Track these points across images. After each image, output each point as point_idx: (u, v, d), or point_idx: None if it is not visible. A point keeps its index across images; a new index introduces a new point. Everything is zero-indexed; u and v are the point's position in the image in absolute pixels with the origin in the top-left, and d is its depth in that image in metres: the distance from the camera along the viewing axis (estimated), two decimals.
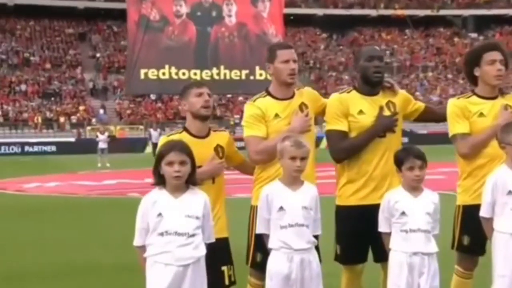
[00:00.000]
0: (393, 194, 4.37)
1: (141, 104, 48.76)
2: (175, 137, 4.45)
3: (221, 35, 36.88)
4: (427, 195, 4.37)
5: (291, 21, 53.57)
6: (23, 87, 49.89)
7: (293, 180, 4.20)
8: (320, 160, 5.01)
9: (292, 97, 4.75)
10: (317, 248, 4.27)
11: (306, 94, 4.86)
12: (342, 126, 4.73)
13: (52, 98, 49.03)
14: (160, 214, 3.84)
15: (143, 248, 3.90)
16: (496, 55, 4.77)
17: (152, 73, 36.49)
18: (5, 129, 45.71)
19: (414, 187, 4.33)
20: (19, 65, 52.10)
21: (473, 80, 4.90)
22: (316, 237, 4.25)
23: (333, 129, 4.76)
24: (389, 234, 4.37)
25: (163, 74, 36.46)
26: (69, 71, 52.43)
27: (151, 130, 33.30)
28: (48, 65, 52.23)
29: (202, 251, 3.90)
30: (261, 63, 39.93)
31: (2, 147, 42.15)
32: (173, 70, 36.80)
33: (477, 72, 4.81)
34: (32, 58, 53.11)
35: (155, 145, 20.60)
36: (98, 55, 54.20)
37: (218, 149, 4.62)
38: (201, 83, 4.78)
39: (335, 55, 59.00)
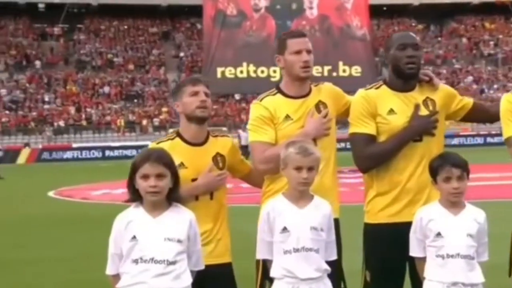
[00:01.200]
0: (427, 211, 3.87)
1: (225, 105, 47.79)
2: (165, 144, 4.05)
3: (301, 29, 35.29)
4: (470, 212, 3.84)
5: (383, 12, 51.42)
6: (106, 89, 50.42)
7: (300, 195, 3.74)
8: None
9: (307, 94, 4.26)
10: (331, 275, 3.77)
11: (326, 90, 4.34)
12: (368, 128, 4.18)
13: (135, 100, 49.18)
14: (134, 237, 3.42)
15: (117, 277, 3.49)
16: None
17: (229, 72, 35.58)
18: (88, 132, 45.99)
19: (453, 203, 3.81)
20: (103, 66, 52.90)
21: None
22: (331, 263, 3.78)
23: (357, 133, 4.21)
24: (423, 259, 3.86)
25: (241, 72, 35.52)
26: (152, 72, 52.25)
27: (240, 131, 32.01)
28: (131, 66, 52.73)
29: (185, 281, 3.45)
30: (345, 58, 37.98)
31: (83, 152, 42.45)
32: (251, 67, 35.82)
33: None
34: (115, 59, 53.83)
35: (245, 147, 19.50)
36: (181, 54, 53.88)
37: (217, 158, 4.16)
38: (197, 79, 4.26)
39: (432, 48, 56.88)
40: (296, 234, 3.69)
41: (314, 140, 4.14)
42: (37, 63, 53.70)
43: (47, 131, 45.47)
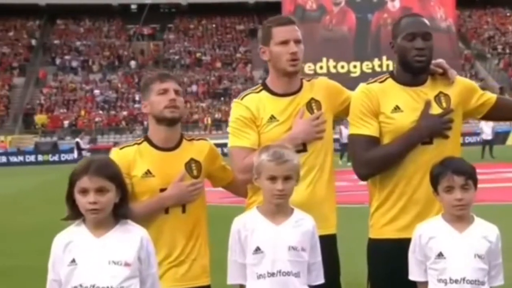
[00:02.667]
0: (427, 227, 3.33)
1: None
2: (129, 149, 3.66)
3: (383, 22, 34.57)
4: (479, 228, 3.28)
5: (475, 3, 49.43)
6: (194, 87, 50.82)
7: (276, 209, 3.25)
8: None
9: (297, 91, 3.76)
10: None
11: (320, 86, 3.83)
12: (369, 129, 3.64)
13: (222, 98, 49.34)
14: (73, 261, 2.94)
15: None
16: None
17: (308, 68, 35.02)
18: None
19: (458, 217, 3.27)
20: (191, 65, 53.32)
21: None
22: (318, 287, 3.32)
23: (356, 134, 3.67)
24: (424, 284, 3.32)
25: (321, 68, 34.92)
26: (239, 70, 52.47)
27: (342, 128, 31.34)
28: (218, 64, 52.86)
29: None
30: None
31: None
32: (331, 63, 35.15)
33: None
34: (203, 57, 54.16)
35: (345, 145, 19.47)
36: None
37: (191, 164, 3.69)
38: (165, 75, 3.77)
39: None
40: (271, 255, 3.21)
41: (304, 144, 3.68)
42: (130, 63, 54.87)
43: (137, 130, 46.31)
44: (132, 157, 3.64)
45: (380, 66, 34.46)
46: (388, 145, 3.64)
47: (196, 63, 53.85)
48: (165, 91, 3.66)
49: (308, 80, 3.85)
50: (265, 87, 3.79)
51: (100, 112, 49.60)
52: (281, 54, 3.71)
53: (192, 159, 3.70)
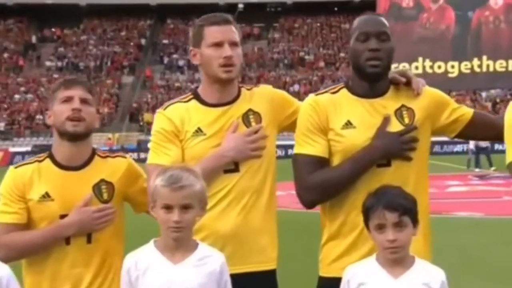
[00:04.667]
0: (358, 270, 2.86)
1: None
2: (27, 168, 3.18)
3: (484, 20, 32.69)
4: (418, 273, 2.78)
5: None
6: (296, 87, 50.53)
7: (175, 244, 2.76)
8: None
9: (232, 101, 3.29)
10: None
11: (261, 96, 3.36)
12: (315, 148, 3.16)
13: None
14: None
15: None
16: None
17: (403, 68, 33.38)
18: None
19: (393, 260, 2.76)
20: (294, 65, 52.97)
21: None
22: None
23: (300, 154, 3.19)
24: None
25: (416, 68, 33.29)
26: (342, 69, 51.82)
27: None
28: (321, 64, 52.26)
29: None
30: None
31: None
32: (428, 63, 33.53)
33: None
34: (306, 57, 53.75)
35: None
36: None
37: (101, 186, 3.19)
38: (71, 81, 3.26)
39: None
40: None
41: (236, 163, 3.18)
42: None
43: None
44: (29, 177, 3.17)
45: (480, 66, 32.66)
46: (336, 167, 3.15)
47: (299, 63, 53.60)
48: (68, 99, 3.17)
49: (249, 89, 3.37)
50: (196, 96, 3.33)
51: None
52: (213, 58, 3.24)
53: (102, 180, 3.21)
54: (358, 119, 3.15)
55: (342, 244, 3.16)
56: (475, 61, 32.51)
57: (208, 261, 2.81)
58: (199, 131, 3.24)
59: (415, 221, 2.79)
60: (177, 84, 52.77)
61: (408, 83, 3.23)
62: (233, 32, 3.27)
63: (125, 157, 3.38)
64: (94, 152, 3.27)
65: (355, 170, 3.10)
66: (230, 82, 3.27)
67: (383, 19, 3.25)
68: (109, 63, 55.76)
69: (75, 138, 3.17)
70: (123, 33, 59.61)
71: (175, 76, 54.26)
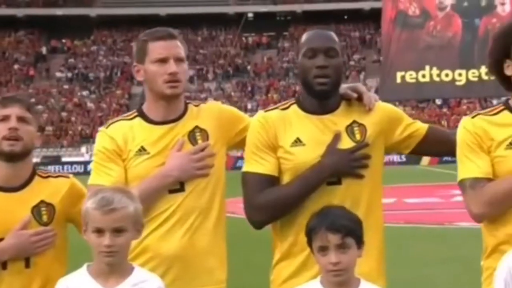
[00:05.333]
0: None
1: (424, 110, 45.58)
2: None
3: (491, 28, 32.36)
4: None
5: None
6: None
7: (109, 269, 2.67)
8: None
9: (178, 119, 3.20)
10: None
11: (209, 113, 3.27)
12: (263, 166, 3.09)
13: None
14: None
15: None
16: None
17: (410, 76, 33.38)
18: None
19: (337, 283, 2.69)
20: None
21: (505, 81, 3.06)
22: None
23: (248, 172, 3.12)
24: None
25: (423, 76, 33.15)
26: (352, 78, 51.74)
27: None
28: None
29: None
30: None
31: None
32: (435, 71, 33.31)
33: (508, 68, 3.02)
34: None
35: None
36: (381, 58, 52.61)
37: (40, 208, 3.08)
38: (10, 99, 3.16)
39: None
40: None
41: (182, 183, 3.10)
42: (244, 72, 55.18)
43: None
44: None
45: (488, 74, 32.44)
46: (284, 186, 3.07)
47: None
48: (5, 118, 3.08)
49: (197, 105, 3.30)
50: (140, 113, 3.23)
51: None
52: (157, 74, 3.14)
53: (42, 202, 3.10)
54: (307, 136, 3.08)
55: (292, 265, 3.09)
56: (483, 69, 32.16)
57: (144, 286, 2.73)
58: (142, 150, 3.15)
59: (359, 242, 2.72)
60: (186, 94, 52.78)
61: (360, 99, 3.16)
62: (178, 47, 3.20)
63: (68, 177, 3.29)
64: (34, 172, 3.18)
65: (303, 188, 3.03)
66: (176, 98, 3.19)
67: (332, 35, 3.17)
68: (119, 74, 55.95)
69: (12, 158, 3.08)
70: (133, 44, 59.79)
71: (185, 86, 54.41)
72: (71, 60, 57.56)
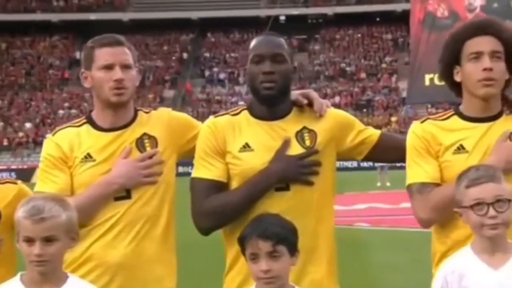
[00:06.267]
0: None
1: None
2: None
3: None
4: None
5: None
6: (336, 99, 50.26)
7: (41, 278, 2.65)
8: None
9: (127, 126, 3.19)
10: None
11: (159, 120, 3.26)
12: (211, 172, 3.09)
13: (364, 110, 48.40)
14: None
15: None
16: (483, 43, 2.97)
17: (438, 78, 32.79)
18: None
19: None
20: (335, 76, 52.58)
21: (455, 88, 3.10)
22: None
23: (196, 178, 3.11)
24: None
25: None
26: (384, 80, 51.25)
27: None
28: (363, 75, 51.87)
29: None
30: None
31: None
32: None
33: (457, 75, 3.04)
34: (348, 68, 53.33)
35: None
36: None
37: None
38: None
39: None
40: None
41: (128, 190, 3.10)
42: None
43: None
44: None
45: None
46: (231, 192, 3.07)
47: (340, 74, 53.21)
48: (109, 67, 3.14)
49: (147, 112, 3.29)
50: (89, 120, 3.24)
51: None
52: (103, 81, 3.14)
53: None
54: (256, 142, 3.08)
55: (241, 273, 3.05)
56: None
57: None
58: (88, 157, 3.14)
59: (293, 250, 2.70)
60: (217, 98, 52.99)
61: (311, 105, 3.15)
62: (126, 54, 3.18)
63: (15, 183, 3.26)
64: None
65: (250, 194, 3.02)
66: (122, 106, 3.18)
67: (280, 41, 3.15)
68: (151, 77, 56.33)
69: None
70: (165, 48, 60.18)
71: (216, 89, 54.51)
72: None
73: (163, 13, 59.20)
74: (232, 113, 3.18)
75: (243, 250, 2.73)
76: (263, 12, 58.18)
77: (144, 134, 3.19)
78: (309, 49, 57.78)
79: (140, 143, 3.18)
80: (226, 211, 3.02)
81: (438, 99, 39.48)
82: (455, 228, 2.92)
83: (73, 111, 51.78)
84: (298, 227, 2.97)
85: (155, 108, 3.36)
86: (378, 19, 55.93)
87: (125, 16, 60.47)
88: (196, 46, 60.46)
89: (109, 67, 3.13)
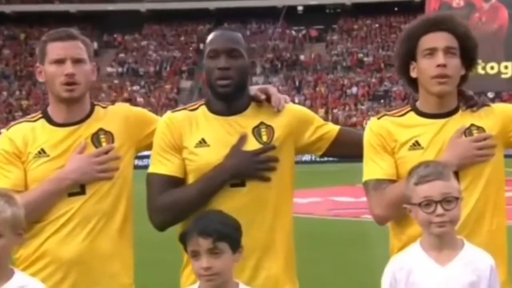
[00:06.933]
0: None
1: None
2: None
3: None
4: None
5: None
6: (354, 89, 49.91)
7: None
8: None
9: (82, 121, 3.17)
10: None
11: (116, 115, 3.23)
12: (167, 167, 3.08)
13: (382, 101, 48.13)
14: None
15: None
16: (437, 40, 3.01)
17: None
18: None
19: None
20: (353, 66, 52.31)
21: (412, 83, 3.10)
22: None
23: (152, 173, 3.11)
24: None
25: None
26: None
27: None
28: (381, 65, 51.44)
29: None
30: None
31: None
32: (480, 64, 32.34)
33: (413, 71, 3.05)
34: (365, 58, 53.05)
35: None
36: None
37: None
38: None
39: None
40: None
41: (83, 186, 3.09)
42: (292, 65, 54.96)
43: None
44: None
45: None
46: (185, 187, 3.06)
47: (357, 65, 52.88)
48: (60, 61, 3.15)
49: (104, 107, 3.27)
50: (45, 115, 3.23)
51: None
52: (55, 75, 3.13)
53: None
54: (213, 137, 3.07)
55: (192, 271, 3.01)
56: None
57: None
58: (42, 152, 3.13)
59: (235, 247, 2.70)
60: None
61: (269, 100, 3.14)
62: (78, 48, 3.16)
63: None
64: None
65: (204, 190, 3.02)
66: (75, 101, 3.17)
67: (237, 35, 3.15)
68: (168, 68, 56.44)
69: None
70: (182, 38, 60.21)
71: None
72: (122, 55, 58.29)
73: (180, 3, 59.21)
74: (190, 108, 3.18)
75: (185, 248, 2.73)
76: (280, 2, 57.94)
77: (100, 129, 3.19)
78: (326, 39, 57.49)
79: (95, 139, 3.17)
80: (180, 207, 3.01)
81: None
82: (411, 224, 2.92)
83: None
84: (254, 222, 2.99)
85: (113, 103, 3.35)
86: (396, 9, 55.44)
87: (143, 7, 60.57)
88: None
89: (60, 61, 3.12)
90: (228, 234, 2.68)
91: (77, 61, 3.13)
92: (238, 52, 3.07)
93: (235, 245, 2.70)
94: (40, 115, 3.23)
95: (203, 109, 3.14)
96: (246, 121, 3.10)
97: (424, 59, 3.02)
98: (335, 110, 48.17)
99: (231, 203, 2.99)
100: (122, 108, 3.32)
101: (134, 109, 3.36)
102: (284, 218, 3.12)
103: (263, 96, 3.14)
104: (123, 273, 3.16)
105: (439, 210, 2.68)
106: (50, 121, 3.19)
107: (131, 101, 52.60)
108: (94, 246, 3.08)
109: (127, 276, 3.18)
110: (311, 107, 49.74)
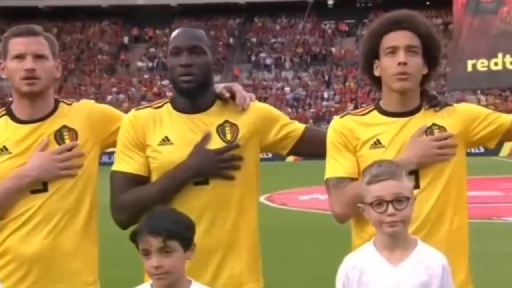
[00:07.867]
0: None
1: (508, 99, 44.01)
2: None
3: None
4: None
5: None
6: None
7: None
8: None
9: (46, 117, 3.16)
10: None
11: (80, 112, 3.23)
12: (129, 165, 3.10)
13: None
14: None
15: None
16: (398, 38, 3.01)
17: (481, 64, 32.18)
18: None
19: (163, 287, 2.68)
20: None
21: (376, 82, 3.11)
22: None
23: (115, 171, 3.13)
24: None
25: (495, 64, 31.88)
26: None
27: None
28: None
29: None
30: None
31: None
32: (508, 59, 31.98)
33: (377, 69, 3.07)
34: None
35: None
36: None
37: None
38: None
39: None
40: None
41: (45, 183, 3.09)
42: (322, 60, 54.79)
43: (323, 128, 46.09)
44: None
45: None
46: (147, 186, 3.07)
47: None
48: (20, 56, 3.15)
49: (69, 104, 3.26)
50: (8, 111, 3.22)
51: (289, 109, 49.91)
52: (15, 70, 3.12)
53: None
54: (176, 135, 3.07)
55: None
56: None
57: None
58: (4, 149, 3.11)
59: (187, 245, 2.69)
60: (263, 83, 52.92)
61: (234, 98, 3.14)
62: (40, 44, 3.15)
63: None
64: None
65: (166, 188, 3.02)
66: (37, 96, 3.15)
67: (200, 32, 3.14)
68: None
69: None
70: (212, 33, 60.25)
71: (262, 75, 54.43)
72: (152, 50, 58.59)
73: None
74: (155, 105, 3.18)
75: (137, 246, 2.71)
76: None
77: (64, 126, 3.17)
78: (357, 33, 57.13)
79: (58, 136, 3.16)
80: (142, 205, 2.95)
81: (481, 86, 38.54)
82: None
83: (121, 96, 52.43)
84: (217, 220, 3.01)
85: (78, 100, 3.34)
86: (427, 3, 54.97)
87: (174, 1, 60.80)
88: (243, 31, 60.43)
89: (20, 57, 3.11)
90: (179, 233, 2.65)
91: (38, 56, 3.11)
92: (200, 49, 3.06)
93: (187, 243, 2.68)
94: (4, 112, 3.22)
95: (168, 106, 3.14)
96: (210, 119, 3.10)
97: (386, 58, 3.03)
98: (364, 105, 47.96)
99: (194, 201, 3.00)
100: (86, 105, 3.29)
101: (99, 106, 3.34)
102: (249, 217, 3.12)
103: (227, 94, 3.14)
104: (86, 270, 3.16)
105: (390, 209, 2.68)
106: (13, 117, 3.17)
107: (160, 95, 52.93)
108: (56, 243, 3.07)
109: (91, 273, 3.18)
110: (340, 102, 49.54)
